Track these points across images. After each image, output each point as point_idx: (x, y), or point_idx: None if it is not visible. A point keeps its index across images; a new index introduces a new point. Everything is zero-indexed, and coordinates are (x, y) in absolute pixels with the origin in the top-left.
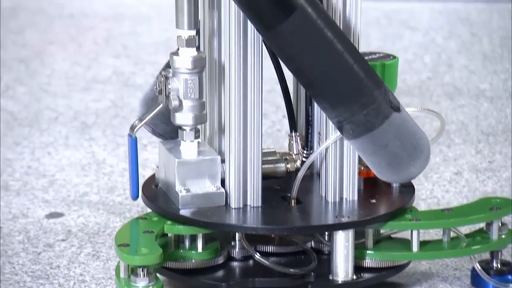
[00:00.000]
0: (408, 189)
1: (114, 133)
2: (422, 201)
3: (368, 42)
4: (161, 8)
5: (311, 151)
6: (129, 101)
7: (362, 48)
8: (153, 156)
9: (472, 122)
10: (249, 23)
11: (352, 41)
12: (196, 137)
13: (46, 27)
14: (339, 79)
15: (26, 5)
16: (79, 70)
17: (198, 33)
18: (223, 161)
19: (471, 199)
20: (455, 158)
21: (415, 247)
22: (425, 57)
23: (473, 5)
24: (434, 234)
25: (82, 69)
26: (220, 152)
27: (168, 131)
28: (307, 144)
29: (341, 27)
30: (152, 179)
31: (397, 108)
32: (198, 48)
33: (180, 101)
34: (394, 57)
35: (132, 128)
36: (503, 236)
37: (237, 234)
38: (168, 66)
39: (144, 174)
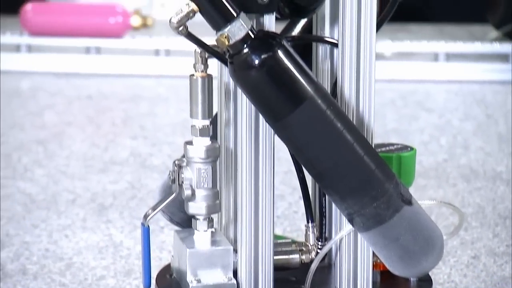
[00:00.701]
0: (425, 283)
1: (131, 215)
2: (440, 285)
3: (384, 123)
4: (178, 88)
5: (326, 243)
6: (146, 182)
7: (378, 129)
8: (169, 238)
9: (489, 205)
10: None
11: (365, 136)
12: (210, 226)
13: (64, 109)
14: (348, 171)
15: (45, 87)
16: (96, 151)
17: (213, 122)
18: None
19: (489, 284)
20: (472, 242)
21: None
22: (441, 138)
23: (488, 86)
24: None
25: (100, 151)
26: (235, 242)
27: (185, 220)
28: (322, 235)
29: (354, 122)
30: (167, 268)
31: (408, 201)
32: (212, 138)
33: (193, 191)
34: (412, 148)
35: (145, 217)
36: None
37: None
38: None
39: (161, 257)
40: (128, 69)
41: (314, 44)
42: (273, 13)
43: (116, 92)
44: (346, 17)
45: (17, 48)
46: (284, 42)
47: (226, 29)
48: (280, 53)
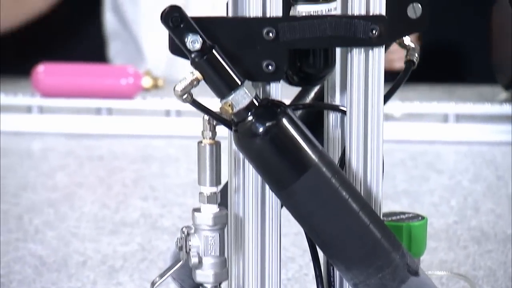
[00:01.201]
0: None
1: (142, 277)
2: None
3: (394, 185)
4: (189, 148)
5: None
6: (156, 244)
7: (388, 190)
8: None
9: (500, 268)
10: None
11: (373, 204)
12: None
13: (76, 169)
14: (353, 241)
15: (56, 147)
16: (107, 212)
17: (224, 189)
18: None
19: None
20: None
21: None
22: (452, 200)
23: (498, 147)
24: None
25: (111, 212)
26: None
27: (196, 287)
28: None
29: (361, 190)
30: None
31: (415, 272)
32: (221, 205)
33: (200, 258)
34: (423, 217)
35: (153, 284)
36: None
37: None
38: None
39: None
40: (139, 129)
41: (325, 111)
42: (279, 81)
43: (127, 152)
44: (353, 86)
45: (28, 109)
46: (289, 110)
47: (230, 97)
48: (284, 121)
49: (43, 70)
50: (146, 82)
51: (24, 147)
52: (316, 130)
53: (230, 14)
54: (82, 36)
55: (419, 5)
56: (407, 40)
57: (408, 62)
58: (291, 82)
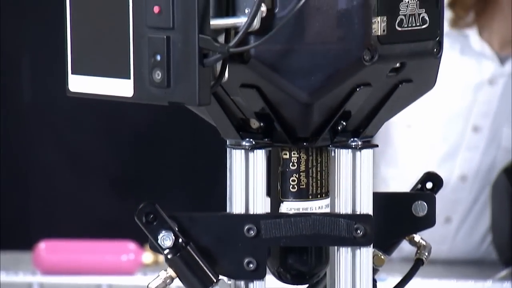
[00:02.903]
0: None
1: None
2: None
3: None
4: None
5: None
6: None
7: None
8: None
9: None
10: None
11: None
12: None
13: None
14: None
15: None
16: None
17: None
18: None
19: None
20: None
21: None
22: None
23: None
24: None
25: None
26: None
27: None
28: None
29: None
30: None
31: None
32: None
33: None
34: None
35: None
36: None
37: None
38: None
39: None
40: None
41: None
42: (261, 280)
43: None
44: (341, 285)
45: (29, 287)
46: None
47: None
48: None
49: (44, 248)
50: (147, 258)
51: None
52: None
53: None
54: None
55: (425, 203)
56: (417, 237)
57: (417, 260)
58: (283, 280)
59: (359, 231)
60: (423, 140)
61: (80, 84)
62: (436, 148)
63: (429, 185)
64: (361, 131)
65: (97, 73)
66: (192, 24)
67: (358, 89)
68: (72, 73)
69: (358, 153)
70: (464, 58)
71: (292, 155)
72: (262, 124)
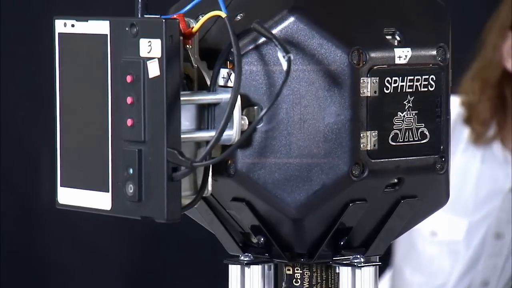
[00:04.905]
0: None
1: None
2: None
3: None
4: None
5: None
6: None
7: None
8: None
9: None
10: None
11: None
12: None
13: None
14: None
15: None
16: None
17: None
18: None
19: None
20: None
21: None
22: None
23: None
24: None
25: None
26: None
27: None
28: None
29: None
30: None
31: None
32: None
33: None
34: None
35: None
36: None
37: None
38: None
39: None
40: None
41: None
42: None
43: None
44: None
45: None
46: None
47: None
48: None
49: None
50: None
51: None
52: None
53: None
54: None
55: None
56: None
57: None
58: None
59: None
60: (447, 246)
61: (67, 196)
62: (460, 255)
63: None
64: (366, 248)
65: (82, 186)
66: (161, 137)
67: (351, 204)
68: (60, 186)
69: (358, 271)
70: (486, 166)
71: (295, 271)
72: (262, 238)
